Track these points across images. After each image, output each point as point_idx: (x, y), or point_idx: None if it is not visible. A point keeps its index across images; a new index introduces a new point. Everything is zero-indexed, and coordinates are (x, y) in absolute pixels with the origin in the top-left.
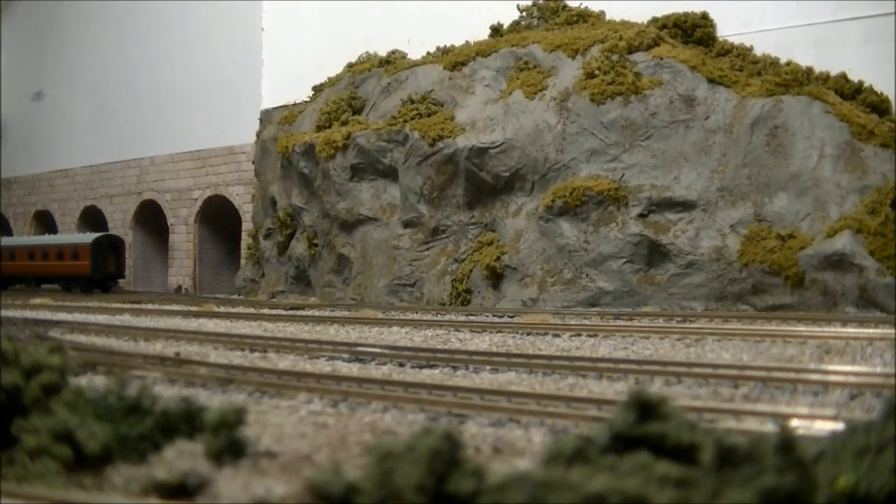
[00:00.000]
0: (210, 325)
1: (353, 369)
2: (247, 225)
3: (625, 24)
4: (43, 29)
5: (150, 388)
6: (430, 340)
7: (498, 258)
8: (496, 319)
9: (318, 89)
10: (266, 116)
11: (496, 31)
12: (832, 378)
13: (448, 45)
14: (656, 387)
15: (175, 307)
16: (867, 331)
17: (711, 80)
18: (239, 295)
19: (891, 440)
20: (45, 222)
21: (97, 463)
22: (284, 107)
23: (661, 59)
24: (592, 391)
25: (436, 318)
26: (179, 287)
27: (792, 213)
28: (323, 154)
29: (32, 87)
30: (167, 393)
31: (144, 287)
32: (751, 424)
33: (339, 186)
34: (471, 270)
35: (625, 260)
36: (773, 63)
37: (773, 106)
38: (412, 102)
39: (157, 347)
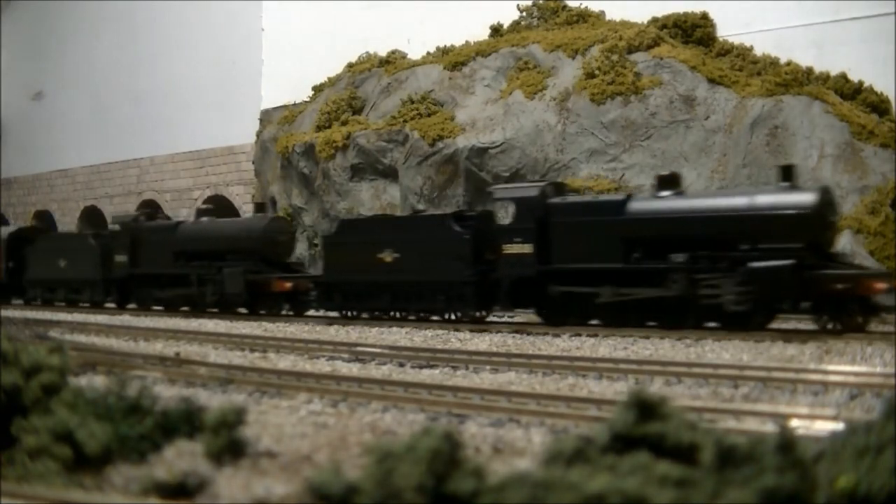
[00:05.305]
0: (210, 325)
1: (353, 369)
2: None
3: (625, 24)
4: (43, 29)
5: (150, 388)
6: (430, 340)
7: None
8: (496, 319)
9: (318, 89)
10: (266, 116)
11: (496, 31)
12: (832, 378)
13: (448, 45)
14: (656, 387)
15: None
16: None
17: (711, 80)
18: None
19: (891, 440)
20: (45, 222)
21: (97, 463)
22: (284, 107)
23: (661, 59)
24: (592, 391)
25: (436, 318)
26: None
27: None
28: (323, 154)
29: (32, 87)
30: (167, 393)
31: None
32: (751, 424)
33: (339, 186)
34: None
35: None
36: (773, 63)
37: (773, 106)
38: (412, 102)
39: (157, 347)
